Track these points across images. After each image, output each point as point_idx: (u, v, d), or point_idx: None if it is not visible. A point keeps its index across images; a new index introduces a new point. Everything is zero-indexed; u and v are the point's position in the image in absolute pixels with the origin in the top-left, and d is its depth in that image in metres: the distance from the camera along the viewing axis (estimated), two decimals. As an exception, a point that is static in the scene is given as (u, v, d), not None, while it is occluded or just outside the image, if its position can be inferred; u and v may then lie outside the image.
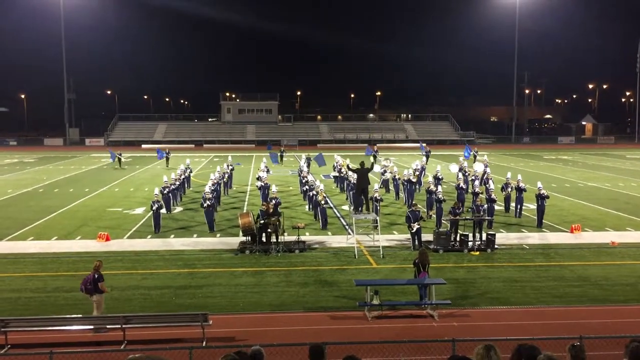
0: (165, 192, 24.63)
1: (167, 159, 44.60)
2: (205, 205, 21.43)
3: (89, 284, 12.45)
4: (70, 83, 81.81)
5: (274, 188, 23.49)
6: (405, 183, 27.25)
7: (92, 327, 11.95)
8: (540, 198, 22.22)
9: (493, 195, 22.76)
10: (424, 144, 46.78)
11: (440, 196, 21.98)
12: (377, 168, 29.59)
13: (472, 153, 43.75)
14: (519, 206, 24.11)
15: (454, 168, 31.99)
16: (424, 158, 39.23)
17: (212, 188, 23.72)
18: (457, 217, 19.79)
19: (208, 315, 11.66)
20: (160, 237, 20.90)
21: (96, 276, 12.49)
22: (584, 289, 15.10)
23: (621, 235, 21.06)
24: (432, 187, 23.48)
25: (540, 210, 22.34)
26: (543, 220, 22.45)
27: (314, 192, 23.47)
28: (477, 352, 5.39)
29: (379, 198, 22.67)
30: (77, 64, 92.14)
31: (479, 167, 29.36)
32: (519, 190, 23.89)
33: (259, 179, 27.61)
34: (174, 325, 12.10)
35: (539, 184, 23.26)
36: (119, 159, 44.96)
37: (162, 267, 17.16)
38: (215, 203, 21.96)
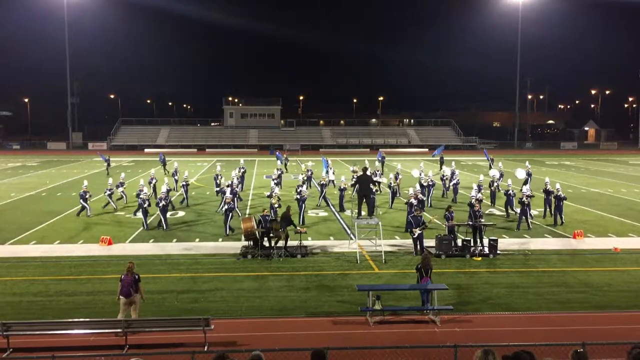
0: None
1: (164, 164, 43.05)
2: (160, 204, 22.68)
3: (133, 285, 12.41)
4: (74, 87, 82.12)
5: (228, 193, 23.90)
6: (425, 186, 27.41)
7: (93, 331, 11.94)
8: (558, 199, 23.78)
9: (524, 199, 23.06)
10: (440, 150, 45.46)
11: (473, 200, 22.22)
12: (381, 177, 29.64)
13: (489, 159, 43.79)
14: (547, 207, 25.45)
15: (520, 174, 31.67)
16: (453, 163, 38.59)
17: (166, 191, 24.67)
18: (457, 223, 19.78)
19: (210, 320, 11.64)
20: (162, 242, 20.93)
21: (137, 277, 12.51)
22: (586, 295, 15.06)
23: (624, 242, 21.03)
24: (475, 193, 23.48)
25: (559, 210, 24.00)
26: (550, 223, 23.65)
27: (268, 194, 24.31)
28: (476, 356, 5.43)
29: (414, 203, 22.55)
30: (81, 68, 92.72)
31: (520, 174, 29.41)
32: (547, 192, 25.26)
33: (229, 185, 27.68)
34: (175, 330, 12.07)
35: (557, 185, 24.73)
36: (108, 165, 42.71)
37: (164, 272, 17.17)
38: (169, 204, 23.94)
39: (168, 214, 24.05)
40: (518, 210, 23.92)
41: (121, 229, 23.04)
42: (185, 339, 11.87)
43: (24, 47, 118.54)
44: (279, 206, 22.75)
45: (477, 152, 71.64)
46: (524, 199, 23.01)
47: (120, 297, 12.42)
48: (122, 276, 12.55)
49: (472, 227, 19.80)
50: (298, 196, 24.51)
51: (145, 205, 23.00)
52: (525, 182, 28.14)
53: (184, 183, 29.36)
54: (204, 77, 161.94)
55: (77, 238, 21.57)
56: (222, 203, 23.34)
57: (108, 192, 27.15)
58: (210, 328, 11.57)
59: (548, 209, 25.34)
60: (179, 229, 23.19)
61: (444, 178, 31.78)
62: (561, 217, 24.10)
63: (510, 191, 25.82)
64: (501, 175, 30.60)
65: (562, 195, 23.98)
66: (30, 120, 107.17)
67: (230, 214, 22.11)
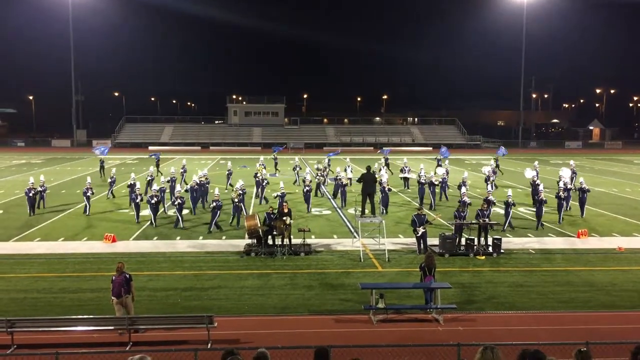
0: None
1: (157, 164, 40.75)
2: (176, 202, 23.06)
3: (124, 285, 12.35)
4: (78, 85, 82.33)
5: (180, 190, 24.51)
6: (428, 184, 27.36)
7: (97, 328, 11.96)
8: (582, 192, 25.44)
9: (560, 193, 24.15)
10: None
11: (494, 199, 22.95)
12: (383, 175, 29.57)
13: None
14: (564, 203, 25.59)
15: (529, 173, 31.84)
16: (492, 162, 37.74)
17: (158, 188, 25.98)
18: (464, 222, 19.75)
19: (213, 317, 11.66)
20: (166, 239, 20.98)
21: (128, 276, 12.47)
22: (590, 295, 15.03)
23: (628, 241, 20.97)
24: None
25: (582, 203, 25.59)
26: (561, 217, 24.34)
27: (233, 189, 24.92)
28: (479, 354, 5.41)
29: (468, 202, 22.07)
30: (85, 66, 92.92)
31: (565, 173, 29.56)
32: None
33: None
34: (179, 327, 12.12)
35: (581, 179, 26.63)
36: (102, 167, 39.96)
37: (168, 269, 17.20)
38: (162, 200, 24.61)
39: (170, 211, 24.36)
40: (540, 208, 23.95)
41: (125, 227, 23.09)
42: (189, 337, 11.90)
43: (28, 45, 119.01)
44: (239, 201, 23.28)
45: (481, 151, 71.49)
46: (560, 193, 24.05)
47: (113, 297, 12.44)
48: (113, 277, 12.52)
49: (478, 226, 19.71)
50: (278, 193, 25.17)
51: (138, 200, 23.83)
52: (572, 180, 28.63)
53: (170, 178, 29.16)
54: (208, 75, 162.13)
55: (81, 235, 21.63)
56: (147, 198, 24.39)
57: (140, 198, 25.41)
58: (214, 325, 11.60)
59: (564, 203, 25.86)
60: (182, 226, 23.17)
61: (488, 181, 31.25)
62: (582, 209, 25.46)
63: (538, 180, 27.29)
64: (574, 173, 31.04)
65: (586, 188, 25.55)
66: (34, 118, 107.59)
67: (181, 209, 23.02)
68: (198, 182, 27.14)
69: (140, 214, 24.11)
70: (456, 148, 75.47)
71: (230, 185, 32.87)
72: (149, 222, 23.45)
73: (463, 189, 24.17)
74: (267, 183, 30.09)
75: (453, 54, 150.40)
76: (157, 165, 40.90)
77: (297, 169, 36.64)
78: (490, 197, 22.46)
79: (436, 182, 27.67)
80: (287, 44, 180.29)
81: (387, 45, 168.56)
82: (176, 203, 23.01)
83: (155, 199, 23.33)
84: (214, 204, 22.24)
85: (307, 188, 26.96)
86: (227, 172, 34.42)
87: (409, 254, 18.99)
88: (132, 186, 25.87)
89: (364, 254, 18.58)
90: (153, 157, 42.59)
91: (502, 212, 23.28)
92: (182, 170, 34.09)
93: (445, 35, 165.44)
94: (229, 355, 6.04)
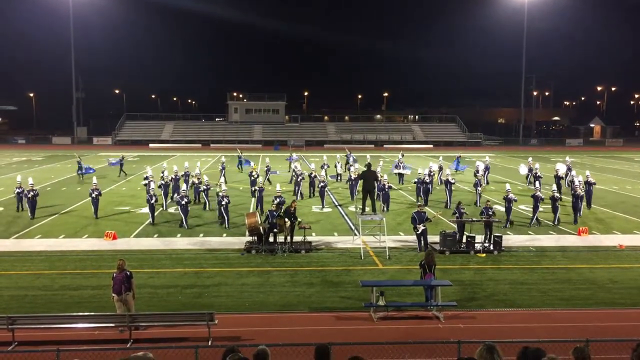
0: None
1: (122, 167, 39.52)
2: (183, 202, 22.51)
3: (125, 282, 12.35)
4: (79, 82, 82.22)
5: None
6: (444, 183, 27.54)
7: (97, 325, 11.99)
8: (588, 184, 26.27)
9: (578, 190, 24.17)
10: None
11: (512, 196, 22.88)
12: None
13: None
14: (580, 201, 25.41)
15: (523, 169, 31.93)
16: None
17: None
18: (466, 220, 19.74)
19: (214, 315, 11.67)
20: (167, 237, 20.98)
21: (128, 273, 12.47)
22: (590, 292, 15.03)
23: (629, 239, 20.96)
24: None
25: (589, 195, 26.43)
26: (557, 217, 23.52)
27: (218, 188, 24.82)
28: (479, 353, 5.29)
29: (515, 199, 22.57)
30: (86, 63, 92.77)
31: (561, 168, 29.58)
32: (589, 184, 26.90)
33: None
34: (180, 324, 12.14)
35: (587, 172, 27.62)
36: (121, 165, 39.30)
37: (169, 266, 17.21)
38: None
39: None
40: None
41: (126, 224, 23.10)
42: (189, 334, 11.91)
43: (29, 42, 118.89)
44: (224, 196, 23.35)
45: (482, 149, 71.48)
46: (578, 190, 24.19)
47: (113, 294, 12.45)
48: (114, 274, 12.52)
49: (484, 223, 19.64)
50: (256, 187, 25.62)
51: (152, 201, 23.05)
52: (566, 176, 28.62)
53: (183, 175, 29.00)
54: (209, 73, 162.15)
55: (82, 232, 21.65)
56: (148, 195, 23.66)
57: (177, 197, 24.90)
58: (214, 323, 11.61)
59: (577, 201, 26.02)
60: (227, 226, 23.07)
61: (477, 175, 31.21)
62: (589, 202, 26.26)
63: (539, 173, 28.18)
64: (569, 169, 31.01)
65: (592, 181, 26.43)
66: (35, 115, 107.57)
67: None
68: (174, 177, 28.01)
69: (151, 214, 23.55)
70: (457, 146, 75.44)
71: (269, 180, 33.06)
72: (180, 223, 22.52)
73: (507, 186, 24.42)
74: (302, 178, 29.94)
75: (454, 51, 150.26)
76: (121, 167, 39.29)
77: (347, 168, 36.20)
78: (538, 194, 22.86)
79: (452, 181, 27.61)
80: (288, 41, 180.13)
81: (388, 43, 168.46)
82: (223, 203, 22.50)
83: (185, 199, 22.45)
84: (277, 200, 21.30)
85: (322, 184, 27.44)
86: (265, 168, 34.42)
87: (410, 251, 19.00)
88: (147, 178, 25.98)
89: (365, 252, 18.58)
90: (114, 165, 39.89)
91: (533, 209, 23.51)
92: (221, 168, 34.11)
93: (446, 33, 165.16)
94: (230, 353, 6.04)
